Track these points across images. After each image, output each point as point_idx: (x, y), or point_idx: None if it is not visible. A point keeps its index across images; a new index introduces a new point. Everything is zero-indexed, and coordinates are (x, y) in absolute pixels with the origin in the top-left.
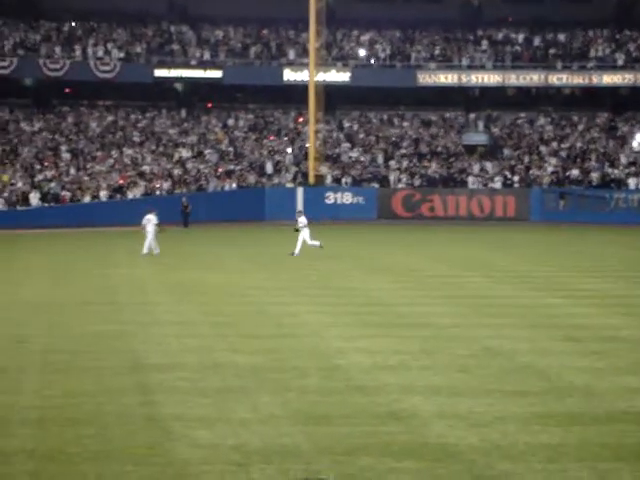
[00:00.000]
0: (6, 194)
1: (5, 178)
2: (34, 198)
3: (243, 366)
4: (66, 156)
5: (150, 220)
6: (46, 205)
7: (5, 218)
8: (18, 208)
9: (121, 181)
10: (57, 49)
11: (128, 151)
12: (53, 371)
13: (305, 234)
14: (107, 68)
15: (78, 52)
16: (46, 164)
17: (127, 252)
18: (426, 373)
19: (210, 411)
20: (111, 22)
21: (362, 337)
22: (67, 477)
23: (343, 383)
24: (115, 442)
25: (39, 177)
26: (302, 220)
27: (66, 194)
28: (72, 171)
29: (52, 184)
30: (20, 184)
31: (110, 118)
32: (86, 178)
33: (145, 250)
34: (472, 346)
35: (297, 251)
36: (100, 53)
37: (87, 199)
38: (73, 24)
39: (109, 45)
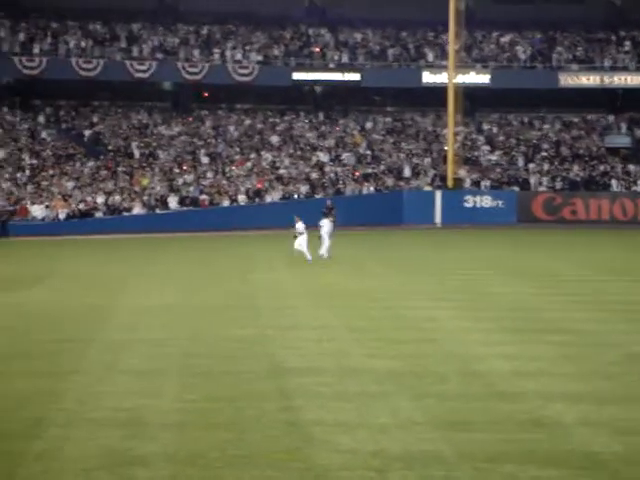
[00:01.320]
0: (145, 198)
1: (144, 182)
2: (173, 202)
3: (382, 371)
4: (205, 160)
5: (324, 225)
6: (185, 209)
7: (144, 222)
8: (157, 212)
9: (259, 185)
10: (195, 52)
11: (266, 155)
12: (193, 375)
13: (301, 240)
14: (245, 71)
15: (216, 55)
16: (185, 168)
17: (265, 256)
18: (568, 379)
19: (350, 416)
20: (249, 25)
21: (502, 343)
22: None
23: (483, 389)
24: (255, 447)
25: (178, 181)
26: (299, 226)
27: (205, 198)
28: (210, 175)
29: (191, 188)
30: (159, 188)
31: (248, 122)
32: (224, 182)
33: (325, 253)
34: (616, 352)
35: (309, 257)
36: (238, 56)
37: (226, 203)
38: (211, 27)
39: (247, 48)
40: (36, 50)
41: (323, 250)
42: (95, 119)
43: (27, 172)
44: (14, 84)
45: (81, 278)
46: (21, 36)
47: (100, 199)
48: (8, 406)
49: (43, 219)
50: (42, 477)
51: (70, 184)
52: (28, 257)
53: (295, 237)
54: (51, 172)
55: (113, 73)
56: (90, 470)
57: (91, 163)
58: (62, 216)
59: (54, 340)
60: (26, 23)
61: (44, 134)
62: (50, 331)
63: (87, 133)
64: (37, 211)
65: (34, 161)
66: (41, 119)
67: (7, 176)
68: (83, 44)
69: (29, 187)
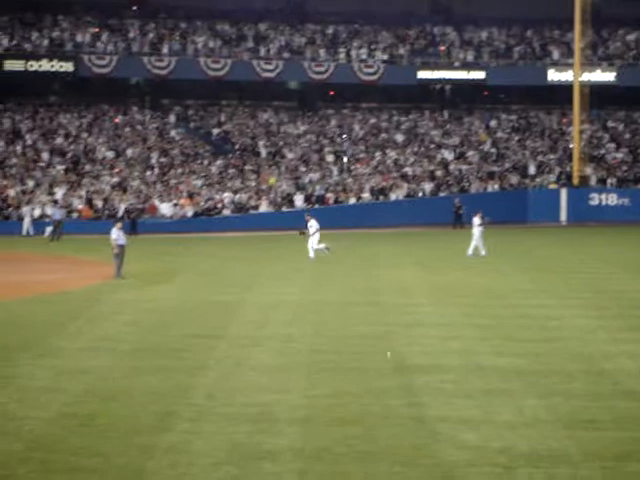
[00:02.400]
0: (272, 196)
1: (272, 180)
2: (299, 200)
3: (507, 369)
4: (330, 158)
5: (475, 222)
6: (310, 207)
7: (271, 220)
8: (283, 210)
9: (384, 183)
10: (321, 52)
11: (391, 153)
12: (319, 371)
13: (314, 238)
14: (371, 70)
15: (342, 55)
16: (311, 166)
17: (390, 253)
18: None
19: (475, 413)
20: (375, 24)
21: (629, 341)
22: (334, 477)
23: (610, 387)
24: (382, 443)
25: (304, 179)
26: (312, 224)
27: (330, 196)
28: (336, 173)
29: (317, 186)
30: (285, 186)
31: (373, 120)
32: (349, 180)
33: (470, 252)
34: None
35: (312, 255)
36: (364, 56)
37: (351, 201)
38: (337, 27)
39: (373, 47)
40: (165, 50)
41: (471, 249)
42: (223, 118)
43: (156, 170)
44: (143, 84)
45: (209, 275)
46: (150, 36)
47: (227, 197)
48: (139, 400)
49: (171, 217)
50: (171, 471)
51: (198, 182)
52: (157, 254)
53: (302, 234)
54: (180, 170)
55: (241, 73)
56: (219, 464)
57: (219, 162)
58: (190, 214)
59: (183, 335)
60: (155, 23)
61: (173, 133)
62: (179, 327)
63: (215, 132)
64: (165, 209)
65: (163, 160)
66: (171, 118)
67: (137, 174)
68: (211, 44)
69: (158, 185)
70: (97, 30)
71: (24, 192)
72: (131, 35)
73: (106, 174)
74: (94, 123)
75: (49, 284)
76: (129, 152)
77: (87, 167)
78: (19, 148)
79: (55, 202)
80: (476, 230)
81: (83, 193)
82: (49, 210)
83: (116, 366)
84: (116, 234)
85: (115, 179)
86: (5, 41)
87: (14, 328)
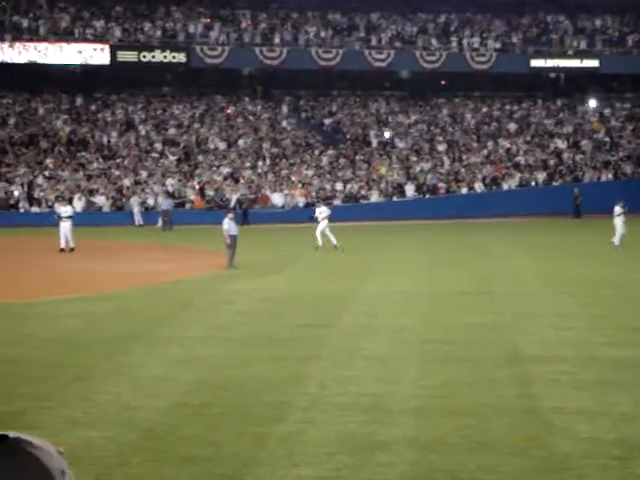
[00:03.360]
0: (382, 185)
1: (383, 170)
2: (410, 190)
3: (622, 359)
4: (441, 148)
5: (617, 211)
6: (422, 197)
7: (382, 209)
8: (394, 199)
9: (496, 172)
10: (433, 41)
11: (503, 142)
12: (431, 361)
13: (321, 225)
14: (483, 59)
15: (454, 43)
16: (422, 156)
17: (502, 243)
18: None
19: (590, 404)
20: (487, 13)
21: None
22: (447, 467)
23: None
24: (494, 433)
25: (415, 169)
26: (320, 210)
27: (442, 185)
28: (447, 162)
29: (428, 176)
30: (396, 176)
31: (485, 109)
32: (462, 169)
33: (617, 242)
34: None
35: (335, 243)
36: (476, 44)
37: (463, 190)
38: (449, 16)
39: (485, 36)
40: (277, 40)
41: (616, 239)
42: (334, 108)
43: (267, 161)
44: (255, 74)
45: (320, 264)
46: (262, 27)
47: (339, 187)
48: (252, 390)
49: (283, 207)
50: (285, 460)
51: (309, 172)
52: (269, 244)
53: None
54: (291, 161)
55: (352, 62)
56: (332, 454)
57: (330, 152)
58: (301, 204)
59: (295, 325)
60: (267, 14)
61: (284, 123)
62: (291, 316)
63: (326, 122)
64: (277, 199)
65: (274, 150)
66: (284, 109)
67: (248, 165)
68: (323, 34)
69: (269, 176)
70: (209, 21)
71: (137, 182)
72: (243, 25)
73: (218, 164)
74: (206, 114)
75: (161, 274)
76: (241, 143)
77: (199, 157)
78: (132, 139)
79: (167, 192)
80: (617, 219)
81: (195, 184)
82: (159, 200)
83: (228, 356)
84: (228, 224)
85: (227, 170)
86: (118, 32)
87: (126, 317)
